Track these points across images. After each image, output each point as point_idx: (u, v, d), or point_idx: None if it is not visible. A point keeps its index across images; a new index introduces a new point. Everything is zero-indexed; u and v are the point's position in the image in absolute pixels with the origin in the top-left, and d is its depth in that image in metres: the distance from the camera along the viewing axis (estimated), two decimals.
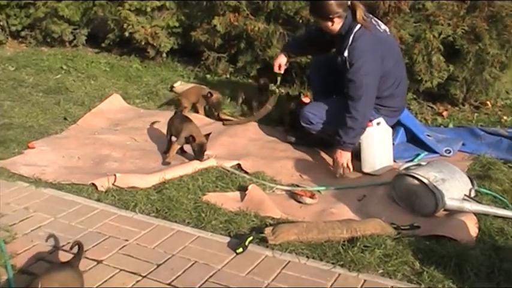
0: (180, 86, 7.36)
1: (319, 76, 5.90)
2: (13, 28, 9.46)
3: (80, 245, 3.43)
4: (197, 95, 6.52)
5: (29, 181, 4.90)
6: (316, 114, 5.41)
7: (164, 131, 5.75)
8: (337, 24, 5.15)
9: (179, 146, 5.42)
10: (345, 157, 5.16)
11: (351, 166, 5.19)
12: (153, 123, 6.22)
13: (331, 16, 5.10)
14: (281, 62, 5.84)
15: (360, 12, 5.11)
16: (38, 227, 4.19)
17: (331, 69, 5.44)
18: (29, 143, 5.64)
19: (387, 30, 5.43)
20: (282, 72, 5.92)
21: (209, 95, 6.31)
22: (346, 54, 5.08)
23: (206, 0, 7.67)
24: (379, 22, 5.37)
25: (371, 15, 5.32)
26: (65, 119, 6.42)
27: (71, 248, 3.65)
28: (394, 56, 5.37)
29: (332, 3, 5.06)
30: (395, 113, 5.52)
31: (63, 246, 3.86)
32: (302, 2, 6.85)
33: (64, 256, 3.73)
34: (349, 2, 5.15)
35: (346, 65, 5.09)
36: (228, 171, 5.08)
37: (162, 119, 6.22)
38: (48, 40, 9.41)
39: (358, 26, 5.10)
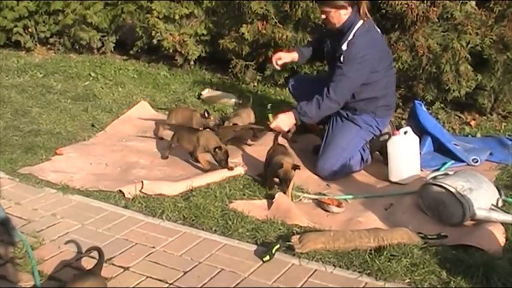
0: (207, 93, 7.38)
1: (302, 91, 5.91)
2: (42, 35, 9.51)
3: (100, 252, 3.45)
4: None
5: (56, 187, 4.95)
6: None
7: None
8: (344, 16, 5.23)
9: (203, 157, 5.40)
10: (289, 123, 5.34)
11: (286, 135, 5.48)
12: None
13: (342, 4, 5.18)
14: (281, 56, 5.84)
15: (365, 10, 5.24)
16: (65, 233, 4.22)
17: (313, 84, 5.68)
18: (56, 149, 5.69)
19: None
20: (279, 67, 5.91)
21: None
22: (344, 47, 5.19)
23: (234, 8, 7.68)
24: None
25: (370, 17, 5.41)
26: (93, 125, 6.47)
27: (87, 252, 3.69)
28: (388, 57, 5.56)
29: None
30: (389, 111, 5.63)
31: (90, 253, 3.88)
32: None
33: (91, 263, 3.75)
34: None
35: (340, 58, 5.20)
36: (256, 180, 5.09)
37: None
38: (77, 47, 9.48)
39: (361, 22, 5.23)
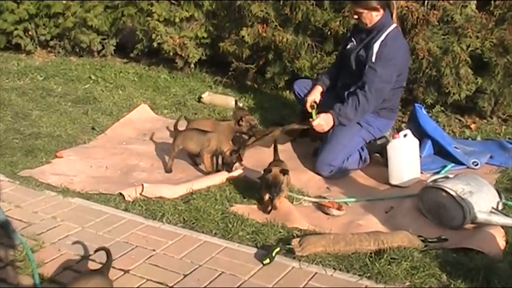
0: (207, 96, 7.39)
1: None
2: (42, 38, 9.49)
3: (108, 253, 3.45)
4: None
5: (56, 190, 4.94)
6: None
7: None
8: (375, 17, 5.30)
9: (208, 158, 5.37)
10: (330, 124, 5.41)
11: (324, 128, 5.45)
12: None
13: (374, 6, 5.26)
14: (314, 98, 5.76)
15: (396, 14, 5.41)
16: (66, 236, 4.21)
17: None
18: (57, 152, 5.69)
19: None
20: (314, 108, 5.69)
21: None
22: (376, 47, 5.26)
23: (235, 11, 7.68)
24: None
25: None
26: (93, 128, 6.48)
27: (95, 252, 3.69)
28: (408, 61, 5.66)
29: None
30: (393, 114, 5.70)
31: (90, 255, 3.88)
32: (331, 14, 6.85)
33: (91, 266, 3.75)
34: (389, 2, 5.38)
35: (371, 57, 5.26)
36: (256, 182, 5.10)
37: None
38: (77, 50, 9.45)
39: (394, 25, 5.33)
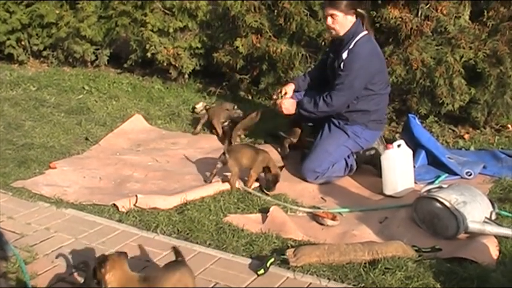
0: (201, 107, 7.38)
1: None
2: (35, 48, 9.48)
3: (177, 250, 3.53)
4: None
5: (50, 201, 4.92)
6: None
7: (185, 152, 5.78)
8: (349, 23, 5.37)
9: (256, 175, 5.35)
10: (291, 109, 5.72)
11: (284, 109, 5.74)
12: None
13: (351, 8, 5.34)
14: (285, 89, 5.94)
15: (367, 22, 5.48)
16: (59, 247, 4.19)
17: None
18: (50, 163, 5.67)
19: None
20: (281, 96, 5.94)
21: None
22: (344, 55, 5.34)
23: (229, 21, 7.69)
24: None
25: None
26: (87, 139, 6.46)
27: (80, 264, 3.67)
28: (386, 73, 5.71)
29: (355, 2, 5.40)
30: (380, 126, 5.74)
31: (83, 267, 3.86)
32: (324, 24, 6.86)
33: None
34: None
35: (340, 65, 5.37)
36: (250, 193, 5.09)
37: (184, 140, 6.26)
38: (70, 60, 9.43)
39: (365, 33, 5.39)
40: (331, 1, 5.43)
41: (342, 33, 5.40)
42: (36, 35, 9.40)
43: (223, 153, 5.28)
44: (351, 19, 5.36)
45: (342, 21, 5.35)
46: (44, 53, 9.57)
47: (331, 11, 5.36)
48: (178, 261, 3.45)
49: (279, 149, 6.12)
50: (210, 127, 6.81)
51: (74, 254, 4.04)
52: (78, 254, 4.03)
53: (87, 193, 5.13)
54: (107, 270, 3.18)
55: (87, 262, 3.50)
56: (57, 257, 3.98)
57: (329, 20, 5.41)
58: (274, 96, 5.94)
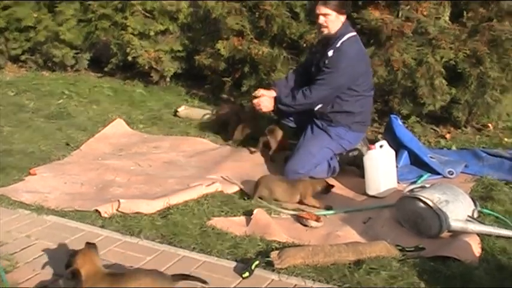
0: (184, 110, 7.37)
1: None
2: (12, 52, 9.42)
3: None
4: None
5: (30, 208, 4.81)
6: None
7: (168, 156, 5.78)
8: (340, 22, 5.41)
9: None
10: (269, 106, 5.79)
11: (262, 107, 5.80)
12: None
13: (343, 8, 5.39)
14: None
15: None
16: (41, 255, 4.11)
17: None
18: (30, 169, 5.57)
19: None
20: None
21: None
22: (330, 53, 5.37)
23: (210, 24, 7.69)
24: None
25: None
26: (67, 144, 6.38)
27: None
28: (370, 76, 5.76)
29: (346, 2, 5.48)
30: (364, 127, 5.76)
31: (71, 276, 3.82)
32: (306, 26, 6.89)
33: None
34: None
35: (324, 63, 5.41)
36: (233, 196, 5.09)
37: (166, 143, 6.23)
38: (49, 64, 9.39)
39: (354, 33, 5.45)
40: (324, 0, 5.44)
41: (332, 33, 5.41)
42: (14, 39, 9.35)
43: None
44: (342, 19, 5.40)
45: (334, 21, 5.38)
46: (22, 57, 9.52)
47: (324, 10, 5.37)
48: (160, 272, 3.44)
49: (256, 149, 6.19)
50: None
51: (56, 261, 3.99)
52: (61, 261, 3.99)
53: (68, 199, 5.05)
54: (78, 264, 3.24)
55: (74, 270, 3.46)
56: (43, 268, 3.93)
57: (321, 18, 5.41)
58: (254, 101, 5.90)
